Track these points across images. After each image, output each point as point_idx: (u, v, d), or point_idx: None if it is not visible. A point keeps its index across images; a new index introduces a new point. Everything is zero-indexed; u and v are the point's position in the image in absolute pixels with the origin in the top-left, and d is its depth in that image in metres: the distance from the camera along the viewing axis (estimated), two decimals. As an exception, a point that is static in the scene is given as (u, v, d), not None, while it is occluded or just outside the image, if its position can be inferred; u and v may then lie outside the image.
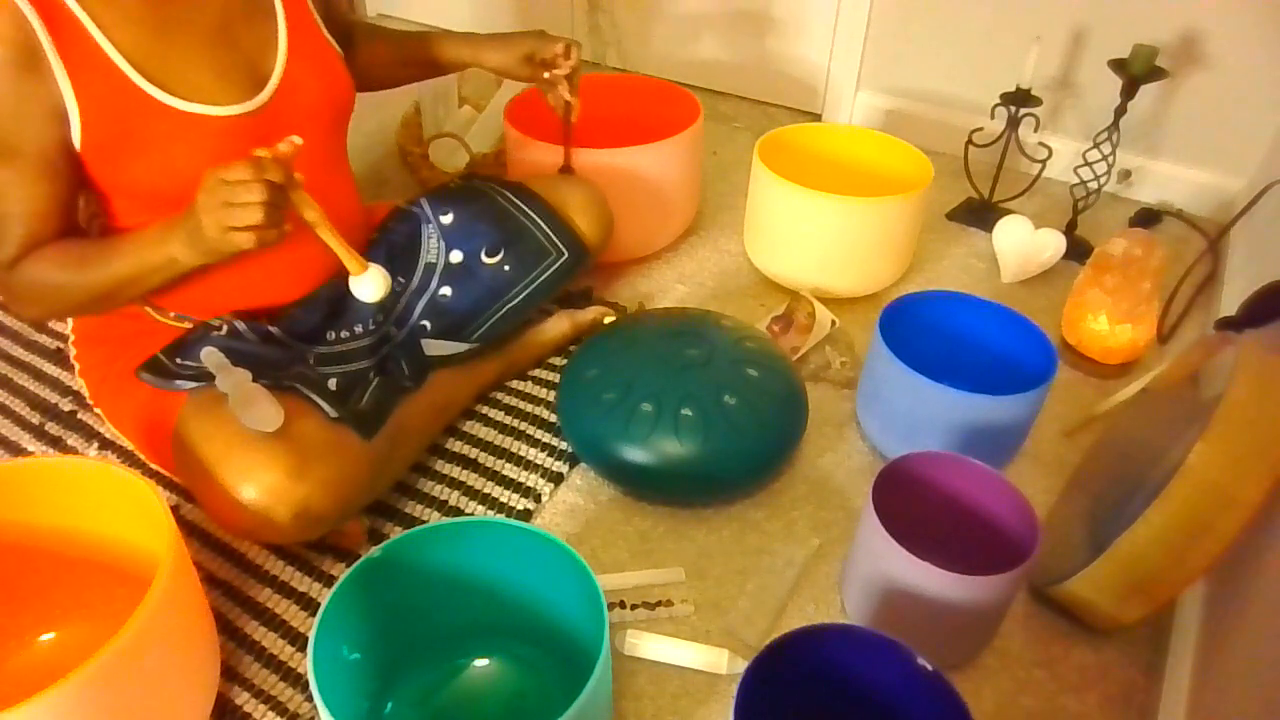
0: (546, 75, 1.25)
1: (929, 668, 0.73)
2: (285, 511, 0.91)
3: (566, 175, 1.36)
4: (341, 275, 1.13)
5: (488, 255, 1.22)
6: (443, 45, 1.28)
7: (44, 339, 1.39)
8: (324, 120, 1.07)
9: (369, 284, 0.94)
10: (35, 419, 1.25)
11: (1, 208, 0.90)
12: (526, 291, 1.23)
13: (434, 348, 1.18)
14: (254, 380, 0.96)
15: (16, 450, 1.20)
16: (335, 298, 1.12)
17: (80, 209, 0.99)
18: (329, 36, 1.11)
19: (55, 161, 0.90)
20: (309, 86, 1.04)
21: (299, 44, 1.04)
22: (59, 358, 1.35)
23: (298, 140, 0.88)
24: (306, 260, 1.07)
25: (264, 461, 0.90)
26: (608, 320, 1.38)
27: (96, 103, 0.89)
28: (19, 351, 1.37)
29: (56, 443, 1.21)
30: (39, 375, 1.32)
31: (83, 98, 0.88)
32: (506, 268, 1.22)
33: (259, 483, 0.90)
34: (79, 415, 1.25)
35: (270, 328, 1.07)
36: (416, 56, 1.29)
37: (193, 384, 0.98)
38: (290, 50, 1.03)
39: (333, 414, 0.98)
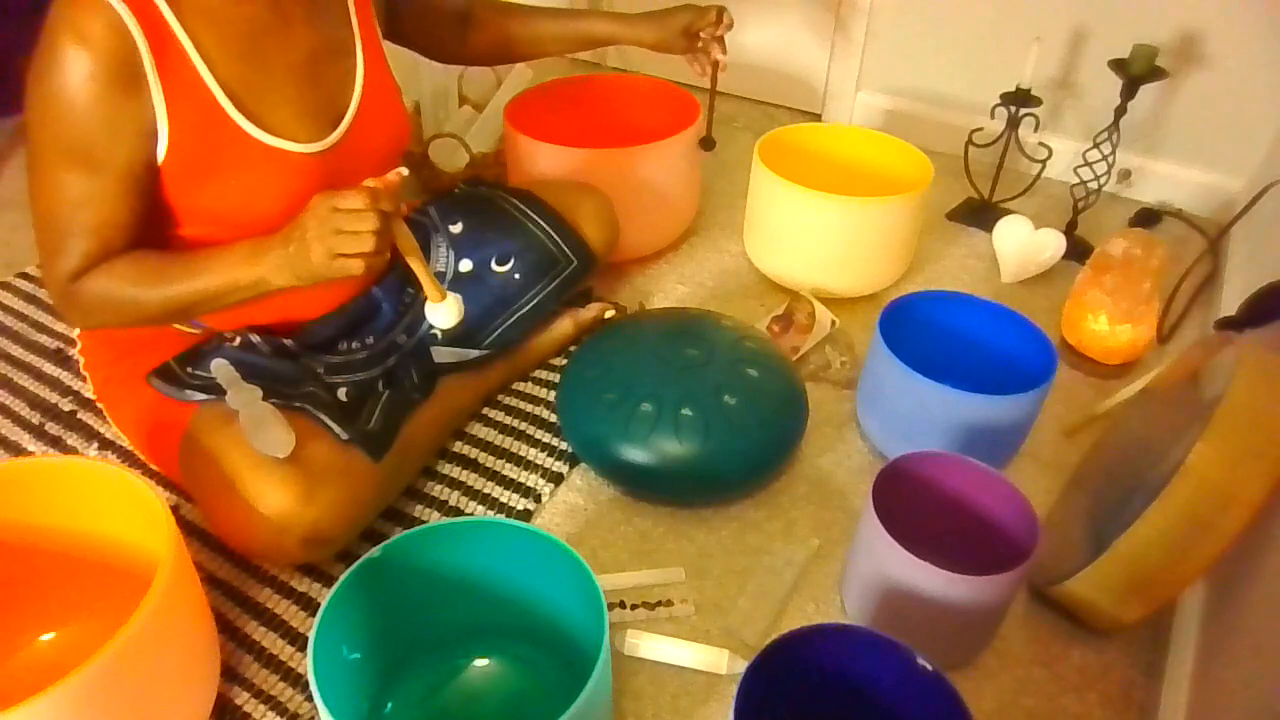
0: (699, 44, 1.28)
1: (929, 668, 0.73)
2: (295, 535, 0.92)
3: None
4: (361, 292, 1.13)
5: (497, 264, 1.22)
6: (589, 22, 1.30)
7: (44, 339, 1.39)
8: (384, 157, 1.06)
9: (446, 311, 0.97)
10: (35, 419, 1.24)
11: (75, 218, 0.89)
12: (536, 299, 1.24)
13: (444, 355, 1.18)
14: (264, 398, 0.96)
15: (16, 450, 1.20)
16: (354, 313, 1.13)
17: None
18: (392, 72, 1.11)
19: (139, 176, 0.90)
20: (375, 126, 1.05)
21: (373, 82, 1.05)
22: (59, 358, 1.35)
23: (404, 171, 0.92)
24: (333, 282, 1.07)
25: (274, 485, 0.91)
26: (608, 315, 1.39)
27: (187, 126, 0.90)
28: (19, 351, 1.37)
29: (56, 443, 1.21)
30: (39, 375, 1.32)
31: (174, 119, 0.89)
32: (516, 276, 1.22)
33: (269, 507, 0.91)
34: (79, 415, 1.25)
35: (284, 340, 1.07)
36: (555, 33, 1.30)
37: (203, 396, 0.98)
38: (365, 89, 1.04)
39: (343, 436, 0.98)
